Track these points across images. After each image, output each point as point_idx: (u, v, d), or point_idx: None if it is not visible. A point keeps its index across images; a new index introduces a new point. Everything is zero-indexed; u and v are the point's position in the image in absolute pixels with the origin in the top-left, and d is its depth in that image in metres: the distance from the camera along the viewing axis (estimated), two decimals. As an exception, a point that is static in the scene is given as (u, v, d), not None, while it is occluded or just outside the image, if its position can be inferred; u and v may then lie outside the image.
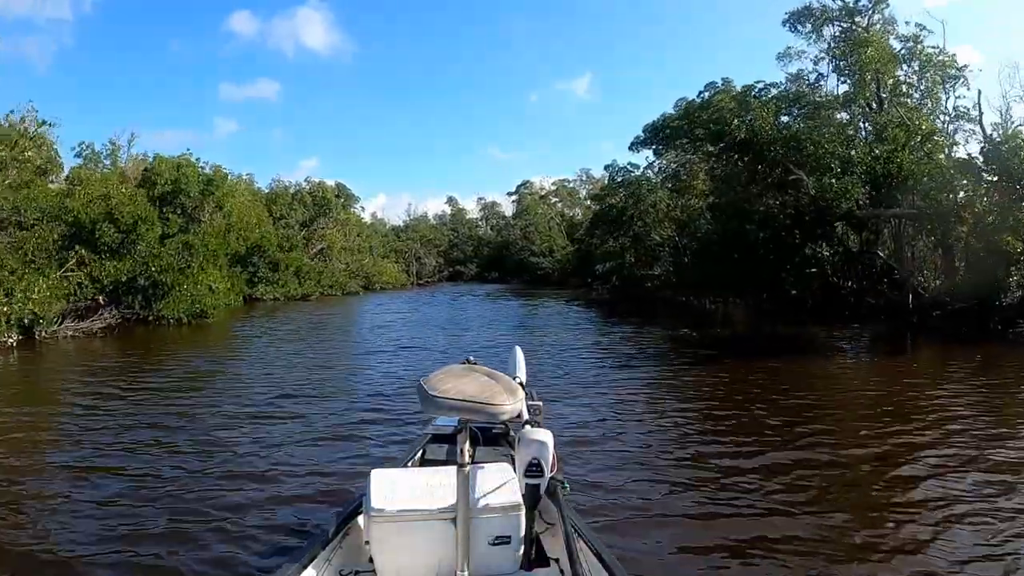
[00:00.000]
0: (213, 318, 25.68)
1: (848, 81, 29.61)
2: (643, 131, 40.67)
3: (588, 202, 78.16)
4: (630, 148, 41.43)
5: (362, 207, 68.79)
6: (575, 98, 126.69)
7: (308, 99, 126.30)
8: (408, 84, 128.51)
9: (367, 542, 3.48)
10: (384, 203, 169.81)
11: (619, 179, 52.88)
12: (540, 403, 4.39)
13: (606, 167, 54.43)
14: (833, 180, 23.77)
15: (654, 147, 40.65)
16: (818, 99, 29.18)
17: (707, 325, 22.31)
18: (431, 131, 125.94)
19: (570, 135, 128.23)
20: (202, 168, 39.86)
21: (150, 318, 24.84)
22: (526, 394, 4.03)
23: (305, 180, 59.25)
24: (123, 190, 27.74)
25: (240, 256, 39.16)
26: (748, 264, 23.98)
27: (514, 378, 4.17)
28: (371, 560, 3.46)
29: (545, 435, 3.72)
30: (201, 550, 5.54)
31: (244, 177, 61.27)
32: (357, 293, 48.71)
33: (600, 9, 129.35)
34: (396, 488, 3.52)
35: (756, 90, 28.11)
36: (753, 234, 23.89)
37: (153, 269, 24.94)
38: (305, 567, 3.24)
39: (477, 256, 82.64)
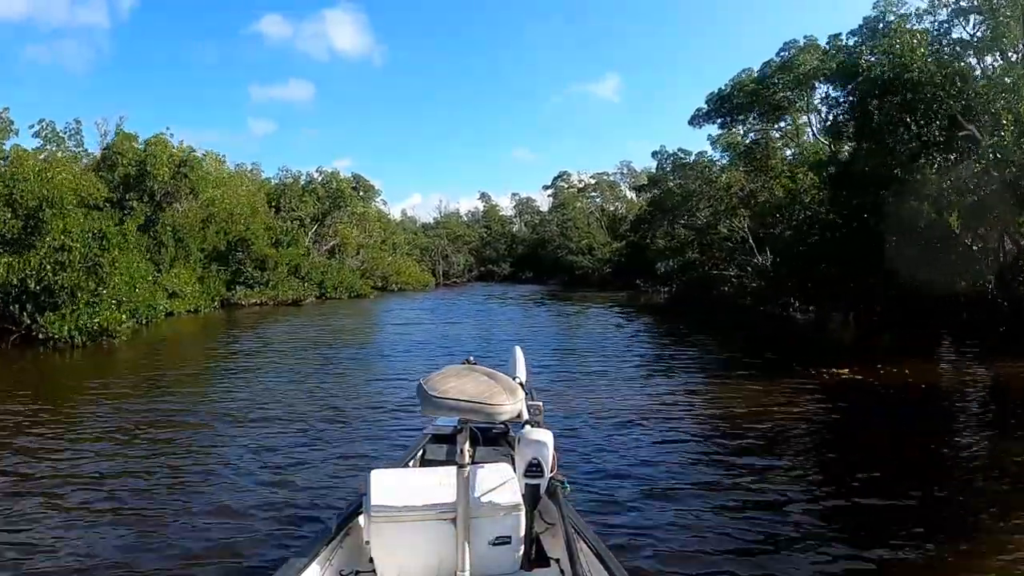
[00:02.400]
0: (121, 337, 17.93)
1: (984, 22, 21.40)
2: (706, 102, 32.55)
3: (631, 195, 70.14)
4: (690, 123, 33.39)
5: (383, 200, 61.50)
6: (602, 99, 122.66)
7: (341, 100, 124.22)
8: (439, 86, 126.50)
9: (367, 542, 3.32)
10: (418, 202, 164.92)
11: (668, 166, 45.55)
12: (540, 403, 4.16)
13: (653, 153, 46.66)
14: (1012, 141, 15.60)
15: (720, 120, 32.57)
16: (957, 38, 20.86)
17: (840, 356, 14.22)
18: (462, 132, 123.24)
19: (599, 136, 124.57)
20: (192, 151, 32.71)
21: (39, 336, 17.39)
22: (526, 394, 3.81)
23: (316, 170, 51.72)
24: (31, 165, 20.26)
25: (219, 252, 31.81)
26: (893, 255, 15.80)
27: (514, 378, 3.98)
28: (371, 560, 3.30)
29: (545, 435, 3.56)
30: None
31: (248, 167, 55.29)
32: (367, 296, 40.94)
33: (625, 10, 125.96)
34: (396, 488, 3.36)
35: (883, 23, 19.75)
36: (910, 213, 15.54)
37: (48, 268, 17.57)
38: (305, 567, 3.06)
39: (511, 254, 74.84)
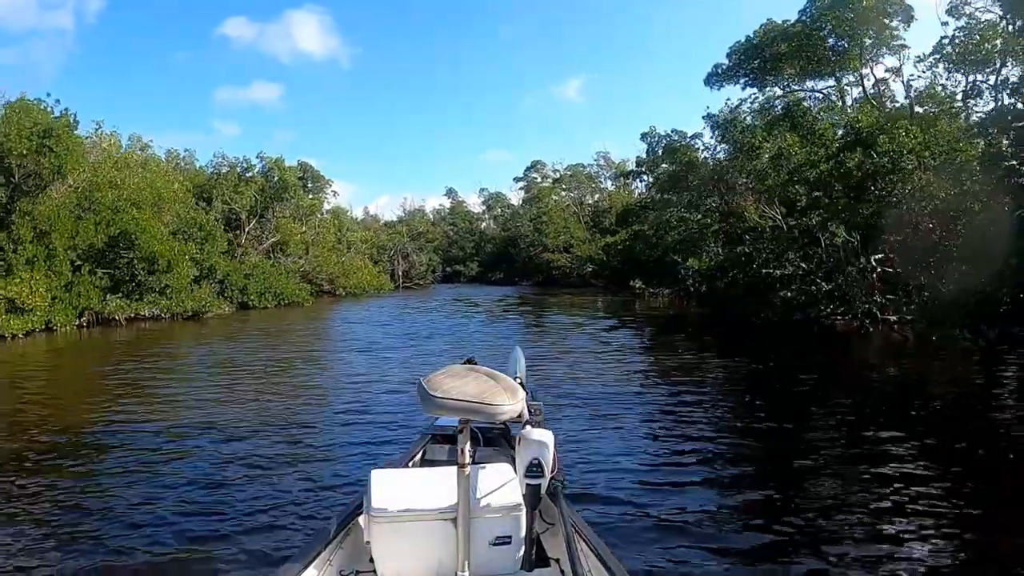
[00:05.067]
0: None
1: None
2: (728, 56, 25.15)
3: (611, 185, 62.93)
4: (707, 83, 26.02)
5: (334, 192, 53.40)
6: (570, 100, 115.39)
7: (310, 102, 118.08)
8: (407, 87, 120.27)
9: (368, 542, 3.16)
10: (387, 202, 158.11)
11: (659, 150, 38.44)
12: (540, 403, 3.88)
13: (643, 135, 39.49)
14: None
15: (746, 78, 25.11)
16: None
17: None
18: (433, 134, 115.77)
19: (570, 136, 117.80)
20: (62, 117, 24.35)
21: None
22: (526, 394, 3.60)
23: (257, 156, 43.39)
24: None
25: (98, 251, 23.51)
26: None
27: (514, 378, 3.63)
28: (372, 560, 3.16)
29: (546, 435, 3.34)
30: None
31: (181, 154, 47.11)
32: (302, 303, 32.57)
33: (591, 11, 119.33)
34: (397, 488, 3.20)
35: None
36: None
37: None
38: (306, 567, 2.95)
39: (479, 253, 66.97)
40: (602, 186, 63.72)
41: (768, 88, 24.92)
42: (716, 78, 25.16)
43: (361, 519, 3.29)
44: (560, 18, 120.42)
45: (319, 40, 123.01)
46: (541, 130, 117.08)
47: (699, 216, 22.72)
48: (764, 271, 17.70)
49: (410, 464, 4.24)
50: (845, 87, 24.46)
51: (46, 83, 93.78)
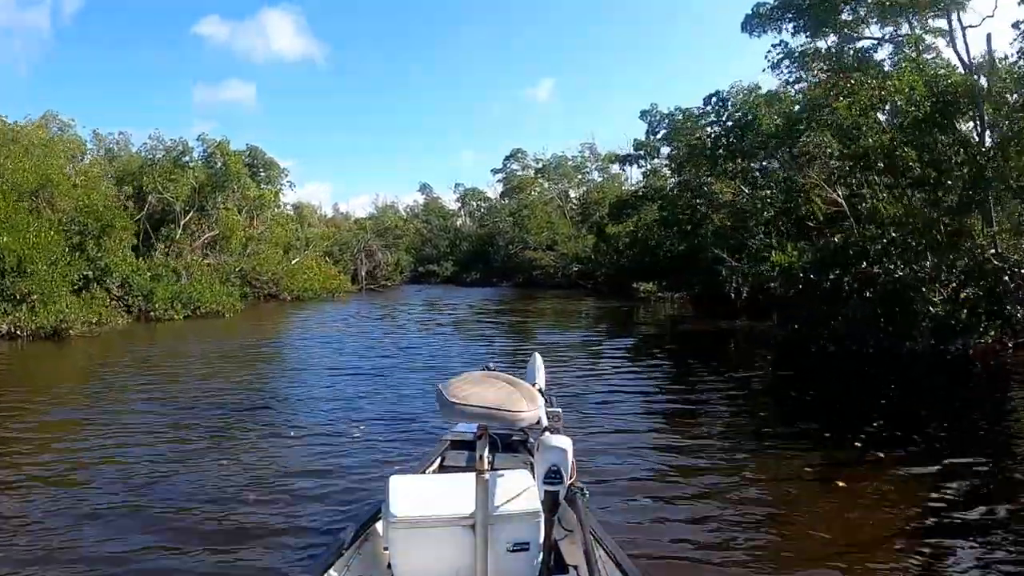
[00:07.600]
0: None
1: None
2: (772, -6, 19.07)
3: (597, 177, 56.90)
4: (744, 28, 19.94)
5: (290, 183, 46.95)
6: (543, 102, 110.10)
7: (285, 102, 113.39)
8: (382, 88, 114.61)
9: (385, 548, 3.11)
10: (363, 202, 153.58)
11: (661, 132, 32.88)
12: (559, 410, 3.92)
13: (642, 114, 33.71)
14: None
15: (794, 23, 19.00)
16: None
17: None
18: (407, 136, 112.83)
19: (545, 137, 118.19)
20: None
21: None
22: (545, 401, 3.71)
23: (198, 138, 36.85)
24: None
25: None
26: None
27: (533, 385, 3.78)
28: (389, 566, 3.05)
29: (564, 442, 3.28)
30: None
31: (115, 136, 40.47)
32: (222, 313, 25.26)
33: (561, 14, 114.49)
34: (415, 494, 3.07)
35: None
36: None
37: None
38: (323, 573, 2.91)
39: (454, 252, 60.54)
40: (589, 177, 57.56)
41: (823, 35, 18.78)
42: (756, 21, 19.07)
43: (379, 525, 3.25)
44: (529, 19, 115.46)
45: (294, 40, 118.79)
46: (516, 130, 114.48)
47: (763, 195, 16.43)
48: (899, 273, 11.26)
49: (428, 470, 4.14)
50: (921, 35, 18.50)
51: (22, 82, 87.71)
